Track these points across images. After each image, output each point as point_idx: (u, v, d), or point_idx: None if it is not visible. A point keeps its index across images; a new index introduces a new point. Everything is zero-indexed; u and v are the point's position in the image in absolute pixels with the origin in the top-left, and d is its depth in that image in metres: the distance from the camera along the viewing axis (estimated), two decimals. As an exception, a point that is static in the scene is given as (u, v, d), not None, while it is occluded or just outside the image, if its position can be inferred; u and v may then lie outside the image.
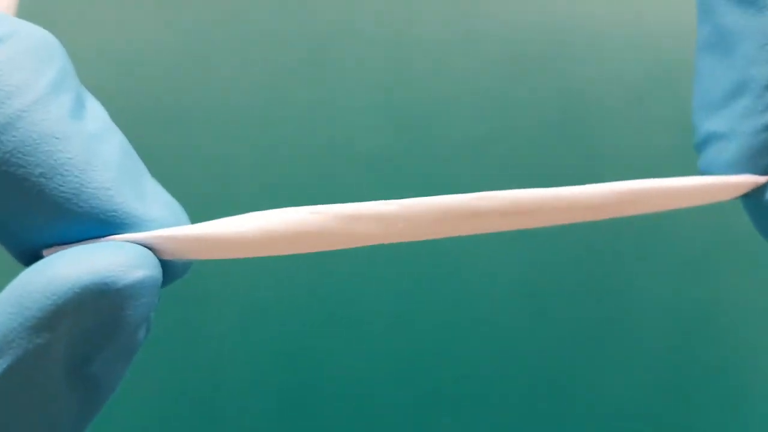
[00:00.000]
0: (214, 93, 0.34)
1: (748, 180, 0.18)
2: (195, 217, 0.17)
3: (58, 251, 0.15)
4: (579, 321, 0.34)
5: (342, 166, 0.34)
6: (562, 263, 0.35)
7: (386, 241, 0.16)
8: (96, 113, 0.16)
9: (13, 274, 0.15)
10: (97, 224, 0.15)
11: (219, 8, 0.35)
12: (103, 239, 0.15)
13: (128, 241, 0.15)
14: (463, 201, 0.16)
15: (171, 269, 0.16)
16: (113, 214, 0.15)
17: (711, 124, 0.19)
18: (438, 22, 0.35)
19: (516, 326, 0.34)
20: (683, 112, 0.36)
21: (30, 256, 0.15)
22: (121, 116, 0.32)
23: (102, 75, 0.34)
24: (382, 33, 0.35)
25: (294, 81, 0.34)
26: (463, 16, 0.35)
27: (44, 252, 0.15)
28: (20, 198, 0.14)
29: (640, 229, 0.35)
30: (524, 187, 0.33)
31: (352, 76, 0.34)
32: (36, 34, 0.15)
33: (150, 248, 0.15)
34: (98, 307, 0.14)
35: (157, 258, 0.15)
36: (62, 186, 0.14)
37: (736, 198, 0.19)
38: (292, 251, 0.16)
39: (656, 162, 0.36)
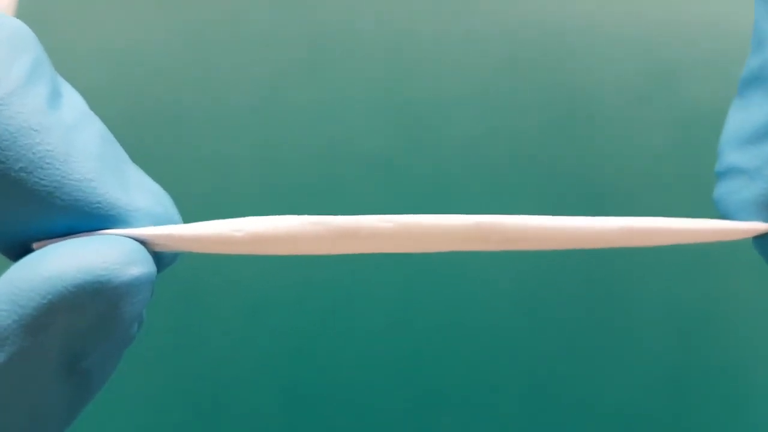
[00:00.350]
0: (214, 93, 0.34)
1: (760, 227, 0.18)
2: (192, 217, 0.17)
3: (48, 244, 0.15)
4: (579, 321, 0.34)
5: (342, 166, 0.34)
6: (561, 263, 0.35)
7: (379, 252, 0.17)
8: (73, 102, 0.15)
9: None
10: (83, 216, 0.15)
11: (219, 8, 0.35)
12: (94, 233, 0.15)
13: (121, 236, 0.15)
14: (463, 224, 0.16)
15: (160, 260, 0.16)
16: (98, 205, 0.15)
17: (737, 157, 0.19)
18: (438, 22, 0.35)
19: (514, 326, 0.34)
20: (683, 111, 0.36)
21: (18, 249, 0.15)
22: (120, 116, 0.32)
23: (102, 75, 0.34)
24: (382, 32, 0.35)
25: (294, 81, 0.34)
26: (463, 15, 0.35)
27: (34, 245, 0.15)
28: (2, 193, 0.14)
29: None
30: (525, 187, 0.33)
31: (352, 75, 0.34)
32: (7, 24, 0.15)
33: (142, 241, 0.15)
34: (94, 305, 0.14)
35: (149, 250, 0.15)
36: (44, 180, 0.14)
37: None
38: (284, 253, 0.16)
39: (656, 162, 0.36)
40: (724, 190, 0.19)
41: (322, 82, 0.34)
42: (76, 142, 0.15)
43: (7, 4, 0.25)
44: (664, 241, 0.18)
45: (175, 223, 0.16)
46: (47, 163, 0.14)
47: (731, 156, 0.19)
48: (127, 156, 0.16)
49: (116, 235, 0.15)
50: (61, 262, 0.14)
